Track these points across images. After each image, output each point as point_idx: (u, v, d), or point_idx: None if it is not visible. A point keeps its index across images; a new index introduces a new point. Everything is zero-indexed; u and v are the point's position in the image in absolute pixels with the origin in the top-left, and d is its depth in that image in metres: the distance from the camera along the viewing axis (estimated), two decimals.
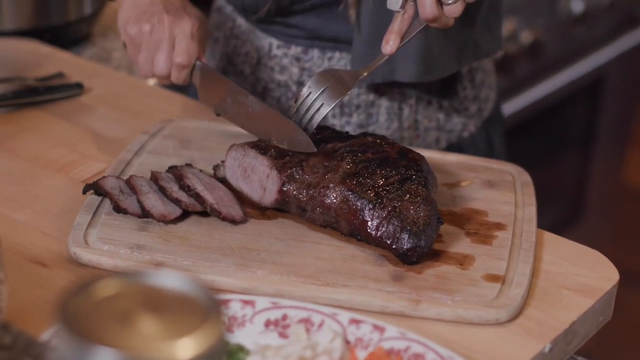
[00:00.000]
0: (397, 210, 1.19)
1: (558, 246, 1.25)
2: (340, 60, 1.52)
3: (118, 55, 1.93)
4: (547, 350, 1.08)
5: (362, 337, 1.05)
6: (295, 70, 1.55)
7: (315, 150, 1.26)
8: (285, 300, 1.09)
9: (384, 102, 1.54)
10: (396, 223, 1.19)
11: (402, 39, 1.26)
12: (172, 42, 1.35)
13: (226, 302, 1.08)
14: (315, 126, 1.29)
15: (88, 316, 0.69)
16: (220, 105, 1.38)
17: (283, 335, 1.06)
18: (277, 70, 1.56)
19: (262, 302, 1.08)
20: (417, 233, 1.17)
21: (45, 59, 1.74)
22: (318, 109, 1.29)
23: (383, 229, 1.19)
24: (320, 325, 1.06)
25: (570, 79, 2.80)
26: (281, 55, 1.55)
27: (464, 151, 1.62)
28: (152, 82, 1.69)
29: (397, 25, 1.26)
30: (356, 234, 1.22)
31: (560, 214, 3.04)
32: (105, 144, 1.47)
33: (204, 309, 0.71)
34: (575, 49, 2.81)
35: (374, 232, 1.20)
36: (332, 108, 1.29)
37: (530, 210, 1.31)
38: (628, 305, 3.13)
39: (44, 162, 1.42)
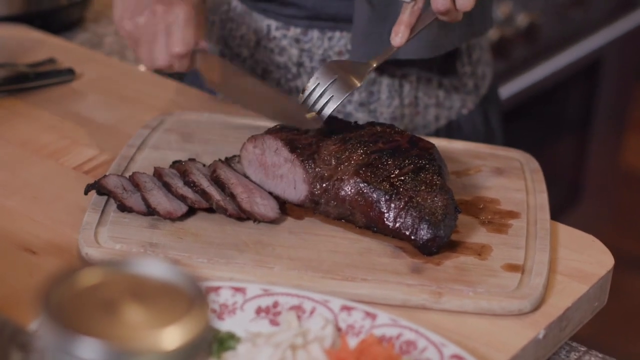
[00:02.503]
0: (414, 200, 1.17)
1: (552, 231, 1.24)
2: (340, 40, 1.50)
3: (110, 40, 1.92)
4: (541, 336, 1.07)
5: (353, 324, 1.03)
6: (294, 51, 1.53)
7: (321, 124, 1.23)
8: (277, 287, 1.07)
9: (385, 80, 1.53)
10: (414, 214, 1.17)
11: (411, 30, 1.25)
12: (168, 32, 1.33)
13: (217, 289, 1.07)
14: (324, 119, 1.27)
15: (71, 306, 0.68)
16: (223, 86, 1.36)
17: (274, 322, 1.05)
18: (277, 52, 1.55)
19: (253, 289, 1.07)
20: (436, 223, 1.16)
21: (36, 45, 1.73)
22: (327, 102, 1.27)
23: (401, 220, 1.17)
24: (312, 312, 1.05)
25: (567, 62, 2.79)
26: (280, 36, 1.54)
27: (462, 129, 1.62)
28: (144, 68, 1.68)
29: (407, 17, 1.25)
30: (372, 226, 1.20)
31: (557, 198, 3.03)
32: (96, 130, 1.46)
33: (189, 296, 0.70)
34: (572, 32, 2.80)
35: (391, 224, 1.18)
36: (342, 101, 1.27)
37: (541, 197, 1.30)
38: (625, 289, 3.13)
39: (34, 148, 1.40)
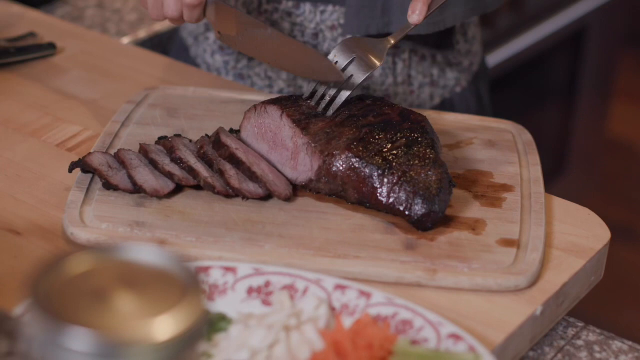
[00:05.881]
0: (407, 175, 1.15)
1: (547, 204, 1.22)
2: (333, 14, 1.47)
3: (91, 13, 1.88)
4: (538, 313, 1.05)
5: (347, 303, 1.01)
6: (286, 25, 1.49)
7: (344, 79, 1.20)
8: (268, 266, 1.05)
9: None
10: (408, 189, 1.14)
11: (429, 7, 1.21)
12: None
13: (207, 269, 1.04)
14: (342, 101, 1.22)
15: (61, 295, 0.66)
16: (237, 40, 1.29)
17: (266, 302, 1.02)
18: None
19: (244, 268, 1.04)
20: (430, 198, 1.13)
21: (16, 19, 1.69)
22: (347, 81, 1.22)
23: (394, 195, 1.15)
24: (305, 291, 1.02)
25: (552, 30, 2.77)
26: (271, 10, 1.50)
27: (455, 107, 1.59)
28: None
29: None
30: (365, 201, 1.17)
31: (544, 166, 3.00)
32: (78, 106, 1.43)
33: (182, 283, 0.67)
34: (556, 0, 2.77)
35: (384, 200, 1.15)
36: (363, 82, 1.22)
37: (535, 170, 1.28)
38: (613, 258, 3.12)
39: (16, 126, 1.37)
